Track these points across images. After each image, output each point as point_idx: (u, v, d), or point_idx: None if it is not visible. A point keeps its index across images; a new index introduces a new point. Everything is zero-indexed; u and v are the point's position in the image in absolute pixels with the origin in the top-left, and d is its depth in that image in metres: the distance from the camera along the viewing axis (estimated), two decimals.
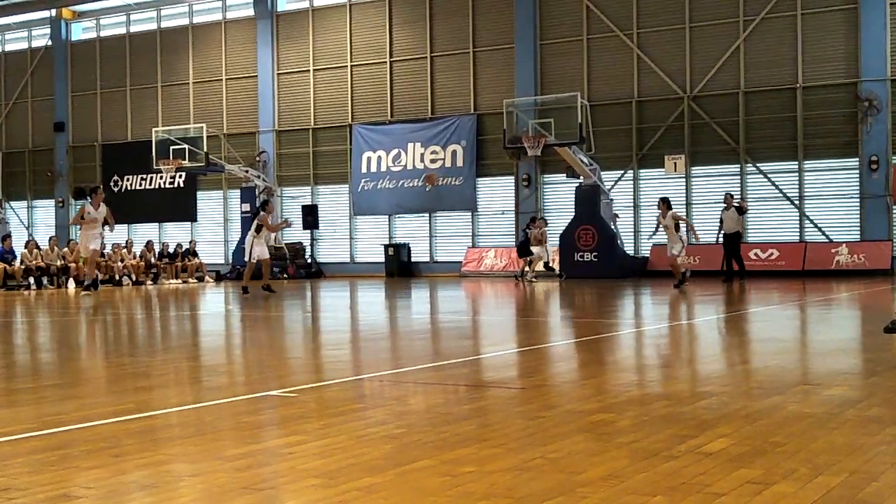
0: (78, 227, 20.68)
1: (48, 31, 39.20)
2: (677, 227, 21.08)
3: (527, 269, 26.58)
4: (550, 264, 27.35)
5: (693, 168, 29.04)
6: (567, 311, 16.18)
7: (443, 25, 32.20)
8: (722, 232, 23.91)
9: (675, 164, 28.65)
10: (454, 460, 4.44)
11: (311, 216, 33.19)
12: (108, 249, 29.73)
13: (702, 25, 28.74)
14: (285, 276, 32.27)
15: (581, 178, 28.45)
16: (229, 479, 4.18)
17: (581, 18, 30.22)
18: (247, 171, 33.44)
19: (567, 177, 29.46)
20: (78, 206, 38.47)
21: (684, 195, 29.12)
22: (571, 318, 14.55)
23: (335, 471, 4.28)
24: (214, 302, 20.38)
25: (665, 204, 21.39)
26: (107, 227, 20.16)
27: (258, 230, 20.06)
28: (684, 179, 29.10)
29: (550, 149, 28.03)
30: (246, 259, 20.75)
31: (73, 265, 27.50)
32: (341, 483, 4.06)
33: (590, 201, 28.01)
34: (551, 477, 4.12)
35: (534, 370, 8.17)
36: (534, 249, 26.50)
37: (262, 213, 20.56)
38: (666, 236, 21.45)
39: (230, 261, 34.01)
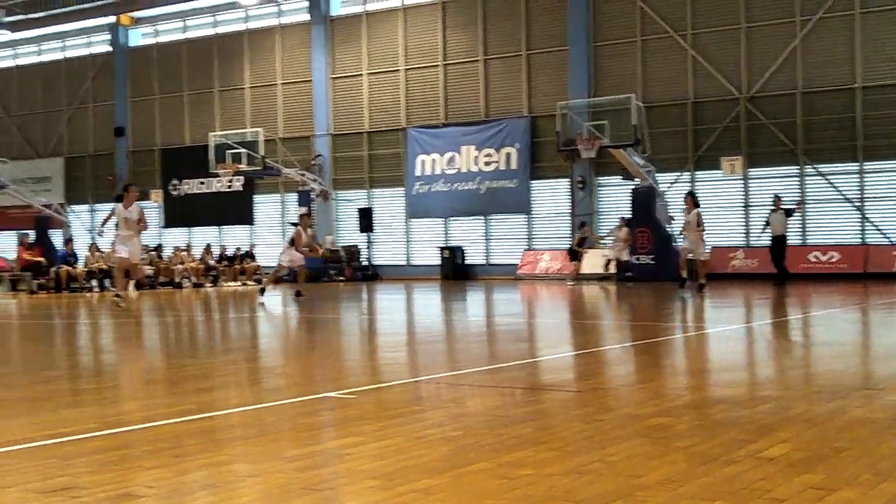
0: (104, 231, 18.12)
1: (107, 37, 39.84)
2: (699, 226, 20.16)
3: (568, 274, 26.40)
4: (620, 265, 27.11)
5: (750, 170, 28.68)
6: (624, 314, 16.08)
7: (496, 28, 32.18)
8: (770, 234, 23.68)
9: (733, 165, 28.33)
10: (511, 463, 4.45)
11: (366, 219, 33.36)
12: (154, 252, 30.07)
13: (758, 25, 28.38)
14: (342, 278, 32.48)
15: (636, 179, 28.27)
16: (289, 480, 4.22)
17: (635, 20, 30.01)
18: (303, 175, 33.70)
19: (623, 179, 29.28)
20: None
21: (742, 197, 28.79)
22: (628, 321, 14.46)
23: (393, 472, 4.30)
24: (272, 304, 20.54)
25: (692, 199, 20.44)
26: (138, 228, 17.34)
27: (291, 243, 20.33)
28: (742, 181, 28.76)
29: (605, 151, 27.87)
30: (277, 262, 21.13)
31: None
32: (399, 484, 4.08)
33: (645, 203, 27.81)
34: (610, 480, 4.10)
35: (591, 373, 8.13)
36: (600, 253, 26.39)
37: (296, 227, 20.70)
38: (685, 234, 20.49)
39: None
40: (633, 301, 19.01)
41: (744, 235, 28.67)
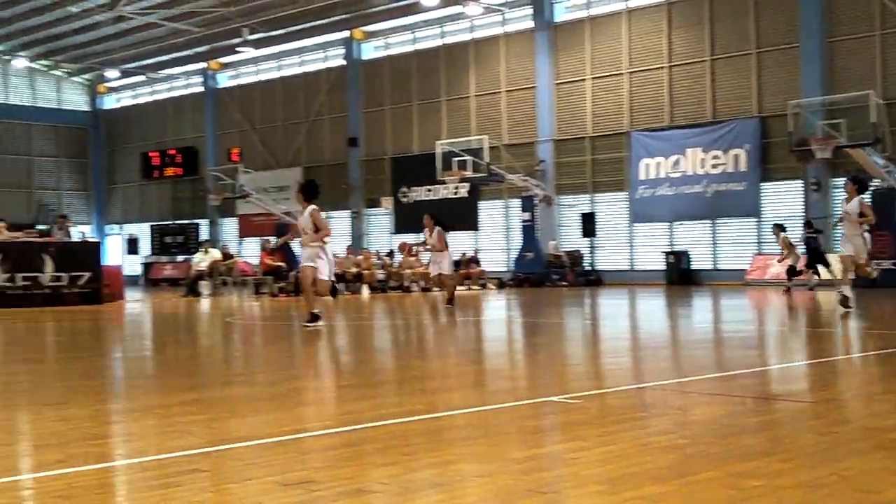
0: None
1: (342, 51, 41.56)
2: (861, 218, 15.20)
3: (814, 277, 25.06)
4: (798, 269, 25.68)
5: None
6: (861, 322, 15.26)
7: (724, 27, 31.29)
8: None
9: None
10: (741, 473, 4.34)
11: (589, 224, 33.22)
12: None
13: None
14: (564, 283, 32.50)
15: (876, 181, 26.76)
16: (514, 482, 4.29)
17: (873, 12, 28.38)
18: (526, 181, 33.96)
19: None
20: (369, 216, 40.63)
21: None
22: (866, 329, 13.71)
23: (618, 478, 4.29)
24: (496, 308, 20.83)
25: (855, 184, 15.33)
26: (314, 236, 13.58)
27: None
28: None
29: (841, 150, 26.56)
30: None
31: (366, 272, 29.02)
32: (624, 490, 4.07)
33: (885, 206, 26.24)
34: (846, 496, 3.93)
35: (825, 383, 7.80)
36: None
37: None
38: (845, 230, 15.51)
39: (512, 268, 34.66)
40: (871, 308, 17.99)
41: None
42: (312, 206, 13.39)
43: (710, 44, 31.51)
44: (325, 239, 13.53)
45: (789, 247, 25.39)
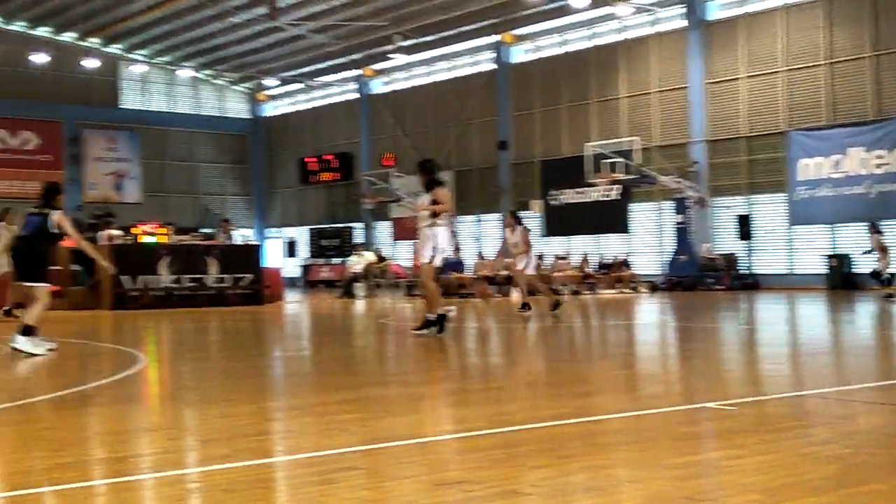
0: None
1: (492, 55, 41.74)
2: None
3: None
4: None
5: None
6: None
7: (889, 20, 29.96)
8: None
9: None
10: None
11: (744, 226, 32.38)
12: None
13: None
14: (719, 287, 31.76)
15: None
16: (669, 488, 4.24)
17: None
18: (679, 182, 33.34)
19: None
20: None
21: None
22: None
23: (776, 488, 4.19)
24: (647, 312, 20.54)
25: None
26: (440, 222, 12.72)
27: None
28: None
29: None
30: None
31: None
32: (783, 501, 3.97)
33: None
34: None
35: None
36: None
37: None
38: None
39: (664, 271, 34.10)
40: None
41: None
42: (440, 186, 12.70)
43: (872, 39, 30.25)
44: (440, 220, 12.58)
45: (883, 249, 24.14)
